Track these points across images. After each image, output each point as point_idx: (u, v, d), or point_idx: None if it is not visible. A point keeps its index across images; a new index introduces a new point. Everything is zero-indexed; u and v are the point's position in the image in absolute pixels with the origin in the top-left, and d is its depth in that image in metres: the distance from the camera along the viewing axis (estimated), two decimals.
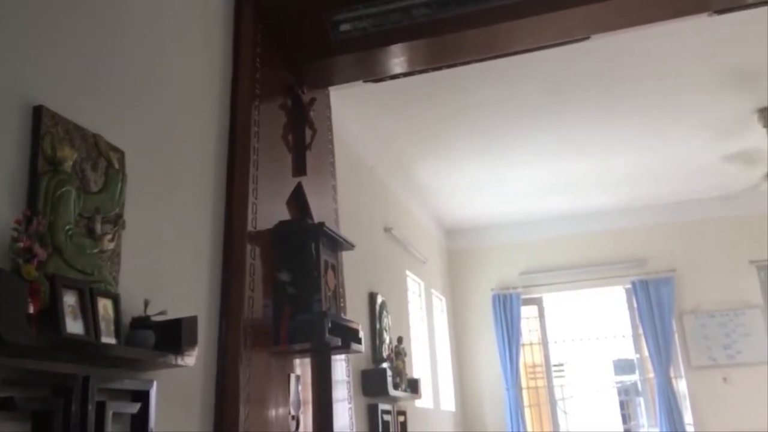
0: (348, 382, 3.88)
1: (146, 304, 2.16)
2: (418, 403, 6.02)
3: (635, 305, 7.82)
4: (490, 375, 7.99)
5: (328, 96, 4.16)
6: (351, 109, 4.99)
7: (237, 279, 2.80)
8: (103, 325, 1.93)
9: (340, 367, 3.79)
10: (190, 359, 2.26)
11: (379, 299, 5.27)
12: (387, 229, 5.96)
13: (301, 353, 3.30)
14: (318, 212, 3.67)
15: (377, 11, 3.37)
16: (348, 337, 3.33)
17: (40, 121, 1.88)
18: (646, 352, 7.69)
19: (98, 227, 2.04)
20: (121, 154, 2.22)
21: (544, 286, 8.15)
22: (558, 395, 8.06)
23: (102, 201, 2.08)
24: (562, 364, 8.42)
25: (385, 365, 4.96)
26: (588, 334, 8.24)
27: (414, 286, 6.90)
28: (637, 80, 4.95)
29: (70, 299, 1.82)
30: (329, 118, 4.16)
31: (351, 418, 3.81)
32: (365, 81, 3.94)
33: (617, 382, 8.65)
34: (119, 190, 2.17)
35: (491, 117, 5.44)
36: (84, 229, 2.01)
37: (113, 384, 2.03)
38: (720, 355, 7.43)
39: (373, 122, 5.37)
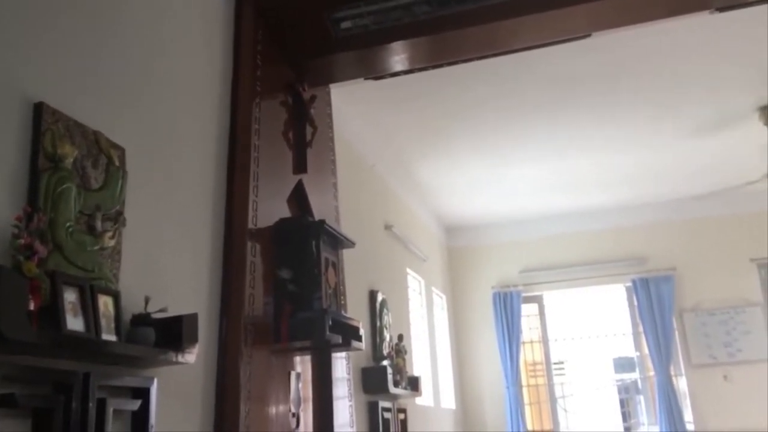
0: (348, 380, 3.88)
1: (147, 301, 2.16)
2: (418, 400, 6.02)
3: (635, 303, 7.83)
4: (491, 373, 8.00)
5: (328, 93, 4.16)
6: (352, 106, 4.99)
7: (237, 276, 2.80)
8: (103, 322, 1.93)
9: (341, 365, 3.79)
10: (191, 356, 2.26)
11: (380, 297, 5.27)
12: (387, 227, 5.96)
13: (302, 351, 3.30)
14: (318, 210, 3.67)
15: (378, 8, 3.37)
16: (348, 334, 3.33)
17: (41, 118, 1.88)
18: (646, 350, 7.69)
19: (99, 224, 2.04)
20: (122, 151, 2.22)
21: (544, 284, 8.15)
22: (558, 393, 8.06)
23: (102, 198, 2.08)
24: (562, 362, 8.43)
25: (385, 363, 4.97)
26: (588, 332, 8.24)
27: (414, 283, 6.90)
28: (639, 78, 4.95)
29: (70, 296, 1.82)
30: (330, 116, 4.16)
31: (351, 416, 3.82)
32: (366, 78, 3.94)
33: (617, 380, 8.65)
34: (120, 187, 2.17)
35: (492, 115, 5.43)
36: (84, 226, 2.00)
37: (114, 381, 2.03)
38: (720, 353, 7.43)
39: (373, 120, 5.37)
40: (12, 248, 1.70)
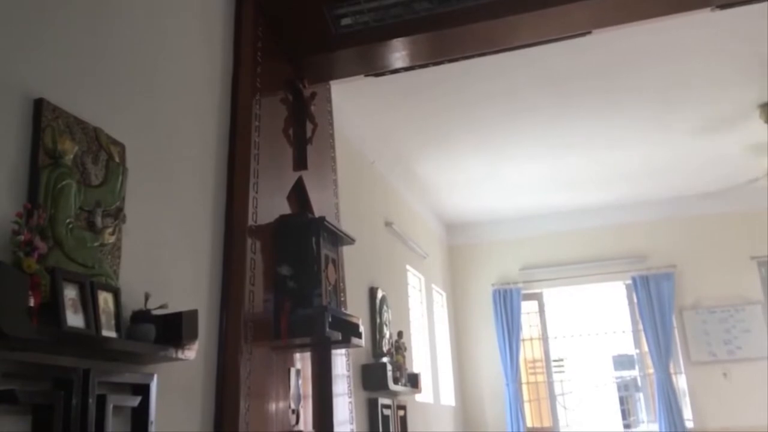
0: (348, 377, 3.89)
1: (147, 297, 2.16)
2: (418, 397, 6.03)
3: (635, 301, 7.83)
4: (490, 370, 8.00)
5: (329, 90, 4.16)
6: (352, 103, 4.98)
7: (237, 273, 2.80)
8: (103, 319, 1.93)
9: (341, 362, 3.80)
10: (191, 353, 2.27)
11: (380, 294, 5.27)
12: (387, 224, 5.96)
13: (302, 347, 3.30)
14: (318, 207, 3.67)
15: (378, 5, 3.37)
16: (348, 331, 3.33)
17: (41, 114, 1.88)
18: (645, 348, 7.69)
19: (99, 221, 2.04)
20: (122, 148, 2.22)
21: (544, 281, 8.15)
22: (558, 390, 8.07)
23: (102, 194, 2.08)
24: (561, 360, 8.43)
25: (385, 360, 4.97)
26: (588, 329, 8.25)
27: (414, 280, 6.91)
28: (639, 75, 4.94)
29: (70, 292, 1.82)
30: (330, 113, 4.16)
31: (351, 413, 3.82)
32: (366, 75, 3.94)
33: (617, 378, 8.66)
34: (120, 183, 2.17)
35: (492, 112, 5.43)
36: (84, 223, 2.01)
37: (114, 377, 2.03)
38: (720, 350, 7.43)
39: (374, 117, 5.36)
40: (12, 244, 1.70)
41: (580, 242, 8.08)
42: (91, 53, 2.18)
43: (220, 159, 2.93)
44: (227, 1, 3.17)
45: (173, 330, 2.19)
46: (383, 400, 4.93)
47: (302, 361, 3.36)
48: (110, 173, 2.13)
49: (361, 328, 3.52)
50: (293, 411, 3.15)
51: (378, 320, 5.15)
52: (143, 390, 2.14)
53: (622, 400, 8.52)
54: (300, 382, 3.26)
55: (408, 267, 6.62)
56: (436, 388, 6.92)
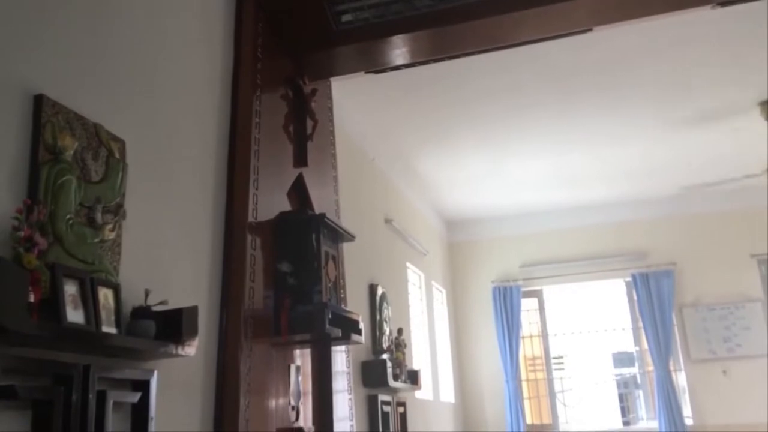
0: (348, 373, 3.89)
1: (147, 293, 2.16)
2: (417, 394, 6.03)
3: (635, 298, 7.83)
4: (490, 367, 8.01)
5: (329, 87, 4.15)
6: (352, 100, 4.98)
7: (237, 269, 2.80)
8: (103, 315, 1.93)
9: (340, 358, 3.80)
10: (191, 349, 2.27)
11: (380, 291, 5.27)
12: (388, 221, 5.96)
13: (302, 344, 3.31)
14: (319, 203, 3.67)
15: (379, 1, 3.36)
16: (348, 328, 3.34)
17: (41, 110, 1.88)
18: (645, 345, 7.70)
19: (99, 217, 2.04)
20: (122, 144, 2.22)
21: (544, 278, 8.15)
22: (557, 387, 8.08)
23: (103, 190, 2.08)
24: (561, 357, 8.45)
25: (385, 356, 4.97)
26: (588, 326, 8.25)
27: (414, 277, 6.91)
28: (640, 73, 4.94)
29: (70, 288, 1.82)
30: (330, 109, 4.15)
31: (351, 409, 3.82)
32: (367, 72, 3.93)
33: (617, 375, 8.68)
34: (120, 179, 2.17)
35: (493, 109, 5.42)
36: (85, 219, 2.01)
37: (114, 373, 2.03)
38: (720, 348, 7.44)
39: (374, 113, 5.36)
40: (12, 240, 1.70)
41: (580, 239, 8.08)
42: (92, 49, 2.18)
43: (221, 156, 2.92)
44: None
45: (173, 326, 2.19)
46: (383, 397, 4.93)
47: (302, 358, 3.36)
48: (110, 169, 2.13)
49: (361, 325, 3.53)
50: (293, 407, 3.16)
51: (378, 317, 5.15)
52: (143, 386, 2.14)
53: (622, 398, 8.55)
54: (300, 378, 3.26)
55: (408, 264, 6.62)
56: (435, 385, 6.93)
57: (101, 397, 1.92)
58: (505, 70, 4.78)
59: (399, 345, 5.34)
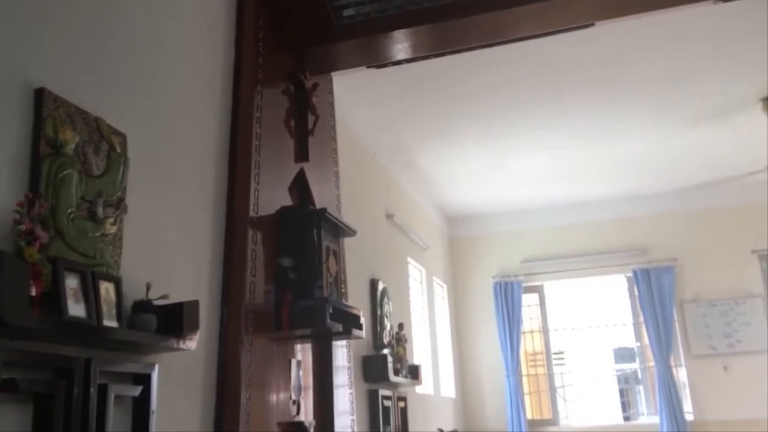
0: (349, 368, 3.90)
1: (148, 287, 2.16)
2: (418, 389, 6.05)
3: (636, 294, 7.83)
4: (491, 362, 8.02)
5: (330, 82, 4.15)
6: (354, 95, 4.97)
7: (239, 264, 2.81)
8: (104, 309, 1.93)
9: (341, 353, 3.81)
10: (192, 343, 2.27)
11: (381, 286, 5.28)
12: (389, 216, 5.96)
13: (303, 339, 3.31)
14: (320, 198, 3.67)
15: None
16: (349, 323, 3.34)
17: (42, 103, 1.88)
18: (646, 341, 7.70)
19: (100, 211, 2.05)
20: (123, 138, 2.22)
21: (545, 274, 8.15)
22: (558, 383, 8.09)
23: (104, 185, 2.08)
24: (562, 352, 8.45)
25: (385, 351, 4.98)
26: (589, 322, 8.25)
27: (415, 272, 6.91)
28: (642, 68, 4.93)
29: (72, 282, 1.82)
30: (332, 104, 4.15)
31: (352, 404, 3.83)
32: (368, 67, 3.92)
33: (617, 370, 8.68)
34: (121, 173, 2.17)
35: (494, 104, 5.42)
36: (86, 213, 2.01)
37: (115, 367, 2.04)
38: (720, 343, 7.44)
39: (375, 108, 5.35)
40: (13, 234, 1.70)
41: (581, 235, 8.08)
42: (93, 43, 2.18)
43: (222, 150, 2.92)
44: None
45: (174, 320, 2.20)
46: (384, 392, 4.94)
47: (303, 353, 3.37)
48: (111, 163, 2.13)
49: (362, 320, 3.53)
50: (294, 402, 3.16)
51: (379, 312, 5.16)
52: (144, 380, 2.15)
53: (623, 393, 8.55)
54: (301, 373, 3.26)
55: (409, 259, 6.62)
56: (436, 380, 6.94)
57: (102, 391, 1.92)
58: (506, 65, 4.77)
59: (400, 340, 5.34)
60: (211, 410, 2.58)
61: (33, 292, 1.67)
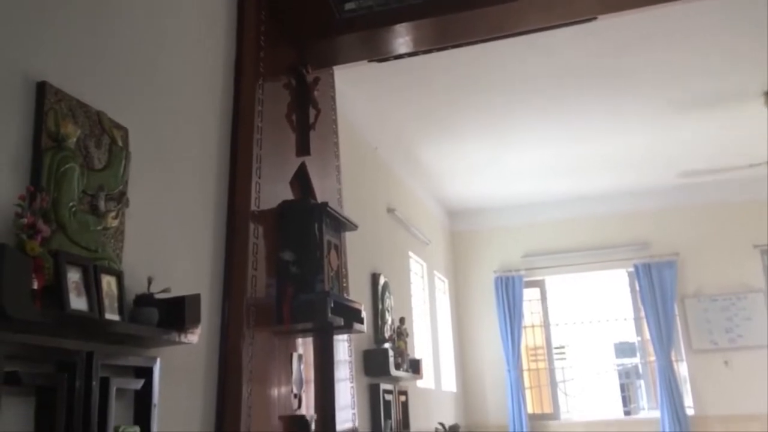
0: (350, 362, 3.90)
1: (150, 281, 2.16)
2: (419, 383, 6.05)
3: (637, 288, 7.83)
4: (492, 356, 8.02)
5: (332, 75, 4.14)
6: (355, 89, 4.96)
7: (240, 258, 2.81)
8: (106, 302, 1.94)
9: (342, 347, 3.81)
10: (194, 337, 2.28)
11: (382, 280, 5.28)
12: (390, 210, 5.96)
13: (304, 333, 3.31)
14: (321, 192, 3.67)
15: None
16: (350, 317, 3.34)
17: (44, 97, 1.88)
18: (647, 335, 7.70)
19: (102, 205, 2.05)
20: (125, 132, 2.21)
21: (546, 268, 8.15)
22: (559, 377, 8.10)
23: (106, 178, 2.08)
24: (563, 347, 8.46)
25: (387, 345, 4.98)
26: (590, 317, 8.26)
27: (417, 267, 6.91)
28: (644, 63, 4.91)
29: (74, 276, 1.82)
30: (333, 98, 4.14)
31: (353, 398, 3.84)
32: (370, 61, 3.92)
33: (618, 365, 8.69)
34: (123, 167, 2.17)
35: (496, 98, 5.41)
36: (88, 207, 2.01)
37: (117, 360, 2.04)
38: (721, 338, 7.44)
39: (377, 102, 5.35)
40: (15, 227, 1.70)
41: (582, 230, 8.08)
42: (94, 37, 2.17)
43: (223, 144, 2.92)
44: None
45: (176, 314, 2.20)
46: (385, 386, 4.95)
47: (304, 347, 3.37)
48: (113, 157, 2.13)
49: (363, 314, 3.53)
50: (295, 395, 3.17)
51: (380, 306, 5.16)
52: (146, 373, 2.15)
53: (623, 387, 8.57)
54: (302, 367, 3.27)
55: (410, 253, 6.62)
56: (437, 374, 6.95)
57: (104, 384, 1.93)
58: (508, 59, 4.76)
59: (401, 334, 5.35)
60: (213, 403, 2.59)
61: (35, 286, 1.67)
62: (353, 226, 3.58)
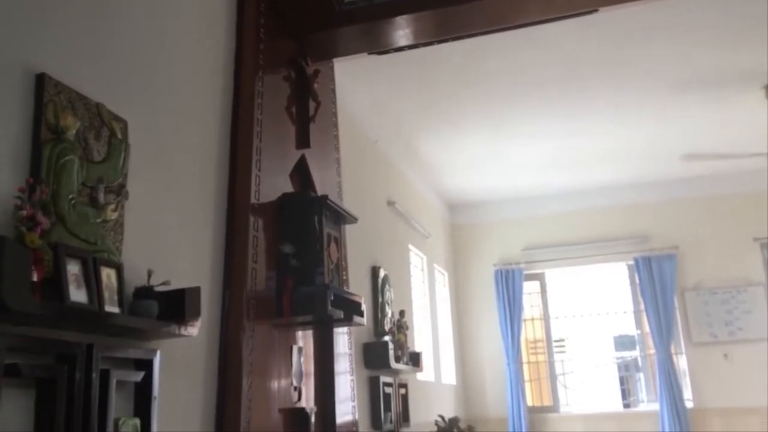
0: (350, 355, 3.91)
1: (149, 274, 2.16)
2: (419, 376, 6.06)
3: (637, 281, 7.83)
4: (492, 349, 8.03)
5: (332, 68, 4.13)
6: (355, 81, 4.95)
7: (240, 251, 2.81)
8: (106, 294, 1.94)
9: (342, 340, 3.81)
10: (194, 329, 2.28)
11: (382, 273, 5.28)
12: (390, 203, 5.96)
13: (304, 325, 3.31)
14: (321, 185, 3.66)
15: None
16: (350, 310, 3.34)
17: (43, 89, 1.88)
18: (647, 328, 7.71)
19: (101, 197, 2.04)
20: (124, 124, 2.21)
21: (546, 261, 8.15)
22: (558, 370, 8.11)
23: (105, 171, 2.08)
24: (563, 340, 8.46)
25: (386, 338, 4.99)
26: (589, 310, 8.26)
27: (416, 260, 6.92)
28: (645, 55, 4.90)
29: (73, 268, 1.82)
30: (333, 91, 4.13)
31: (353, 390, 3.84)
32: (370, 53, 3.91)
33: (618, 358, 8.69)
34: (122, 159, 2.16)
35: (497, 91, 5.40)
36: (87, 199, 2.01)
37: (117, 352, 2.04)
38: (721, 331, 7.45)
39: (377, 95, 5.34)
40: (15, 219, 1.70)
41: (582, 223, 8.07)
42: (93, 29, 2.17)
43: (223, 136, 2.92)
44: None
45: (176, 306, 2.20)
46: (385, 378, 4.96)
47: (304, 339, 3.37)
48: (112, 149, 2.13)
49: (363, 307, 3.53)
50: (295, 388, 3.17)
51: (380, 299, 5.17)
52: (146, 365, 2.16)
53: (623, 380, 8.57)
54: (302, 359, 3.27)
55: (410, 246, 6.62)
56: (437, 367, 6.96)
57: (104, 376, 1.93)
58: (509, 51, 4.75)
59: (401, 327, 5.35)
60: (213, 396, 2.59)
61: (35, 278, 1.67)
62: (353, 219, 3.58)
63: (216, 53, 2.96)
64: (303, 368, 3.26)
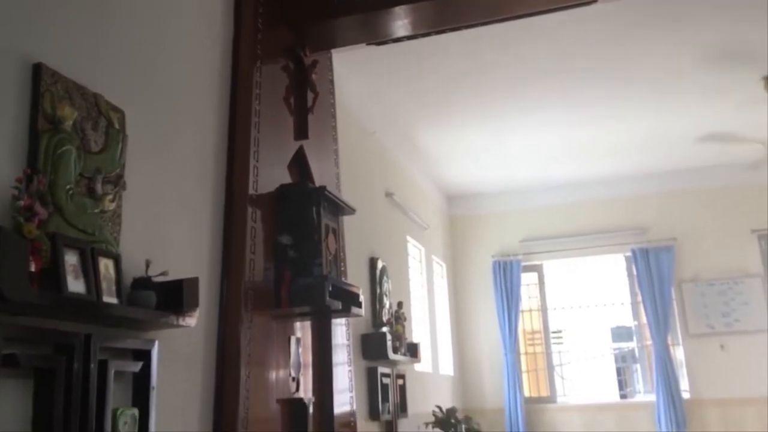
0: (348, 346, 3.91)
1: (147, 264, 2.16)
2: (417, 367, 6.08)
3: (635, 273, 7.84)
4: (489, 340, 8.05)
5: (330, 59, 4.12)
6: (353, 72, 4.94)
7: (238, 241, 2.81)
8: (104, 285, 1.94)
9: (340, 331, 3.82)
10: (192, 320, 2.28)
11: (380, 264, 5.28)
12: (388, 194, 5.96)
13: (302, 316, 3.32)
14: (319, 176, 3.66)
15: None
16: (348, 301, 3.35)
17: (40, 78, 1.87)
18: (644, 320, 7.73)
19: (99, 187, 2.04)
20: (122, 114, 2.20)
21: (544, 253, 8.16)
22: (556, 361, 8.13)
23: (103, 161, 2.08)
24: (560, 331, 8.49)
25: (384, 329, 5.00)
26: (587, 301, 8.28)
27: (415, 251, 6.92)
28: (645, 47, 4.89)
29: (71, 258, 1.82)
30: (331, 82, 4.12)
31: (351, 381, 3.85)
32: (368, 44, 3.89)
33: (615, 349, 8.72)
34: (120, 150, 2.16)
35: (495, 82, 5.39)
36: (85, 189, 2.00)
37: (115, 343, 2.04)
38: (718, 323, 7.47)
39: (375, 86, 5.32)
40: (12, 210, 1.70)
41: (580, 214, 8.08)
42: (90, 19, 2.16)
43: (221, 127, 2.91)
44: None
45: (174, 297, 2.20)
46: (383, 369, 4.97)
47: (302, 330, 3.38)
48: (110, 140, 2.12)
49: (361, 298, 3.54)
50: (293, 379, 3.18)
51: (378, 290, 5.17)
52: (144, 356, 2.16)
53: (620, 371, 8.60)
54: (300, 350, 3.28)
55: (408, 238, 6.63)
56: (435, 358, 6.98)
57: (103, 367, 1.93)
58: (508, 42, 4.74)
59: (399, 318, 5.36)
60: (211, 386, 2.60)
61: (32, 268, 1.67)
62: (351, 210, 3.58)
63: (214, 43, 2.95)
64: (301, 359, 3.27)
